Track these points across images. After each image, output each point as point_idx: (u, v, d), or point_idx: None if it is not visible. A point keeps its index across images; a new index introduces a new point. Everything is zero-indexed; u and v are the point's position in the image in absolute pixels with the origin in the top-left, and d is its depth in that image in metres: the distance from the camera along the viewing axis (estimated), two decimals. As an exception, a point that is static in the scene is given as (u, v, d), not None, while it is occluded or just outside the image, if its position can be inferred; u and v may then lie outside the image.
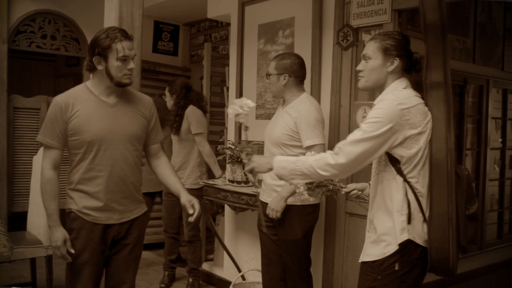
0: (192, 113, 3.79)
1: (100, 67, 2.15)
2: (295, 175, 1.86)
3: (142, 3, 2.61)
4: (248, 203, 3.13)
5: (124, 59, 2.13)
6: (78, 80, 5.52)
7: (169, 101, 3.87)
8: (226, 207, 3.73)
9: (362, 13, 2.84)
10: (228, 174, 3.45)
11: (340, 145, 1.82)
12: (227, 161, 3.42)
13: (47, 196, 2.19)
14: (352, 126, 2.89)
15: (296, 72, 2.69)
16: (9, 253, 2.93)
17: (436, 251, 1.76)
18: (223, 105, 4.55)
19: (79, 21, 5.10)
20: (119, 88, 2.23)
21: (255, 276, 3.34)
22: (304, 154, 2.60)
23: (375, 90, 2.00)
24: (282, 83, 2.67)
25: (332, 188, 2.00)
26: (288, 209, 2.59)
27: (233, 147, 3.44)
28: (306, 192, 1.96)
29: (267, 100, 3.40)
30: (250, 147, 2.02)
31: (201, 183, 3.67)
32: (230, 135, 3.80)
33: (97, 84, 2.21)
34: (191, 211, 2.24)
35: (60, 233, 2.16)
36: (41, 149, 2.45)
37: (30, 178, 3.48)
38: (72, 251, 2.17)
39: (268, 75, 2.72)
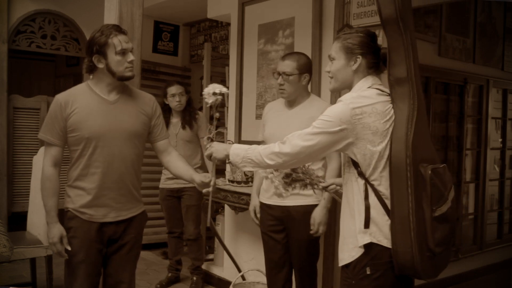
0: (203, 117, 3.93)
1: (100, 65, 2.16)
2: (246, 163, 1.88)
3: (142, 3, 2.61)
4: (248, 203, 3.13)
5: (123, 52, 2.15)
6: (78, 80, 5.53)
7: (183, 99, 3.83)
8: (226, 207, 3.73)
9: (362, 13, 2.84)
10: (228, 174, 3.45)
11: (289, 135, 1.82)
12: (227, 161, 3.42)
13: (46, 193, 2.21)
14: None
15: (311, 71, 2.70)
16: (9, 253, 2.93)
17: (400, 255, 1.71)
18: (223, 105, 4.55)
19: (79, 21, 5.11)
20: (120, 85, 2.24)
21: (255, 276, 3.34)
22: None
23: (346, 90, 1.95)
24: (303, 82, 2.64)
25: (310, 182, 1.99)
26: (306, 209, 2.60)
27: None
28: (281, 186, 1.96)
29: (267, 100, 3.40)
30: (212, 132, 2.07)
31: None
32: (230, 135, 3.80)
33: (98, 82, 2.22)
34: (207, 180, 2.23)
35: (57, 230, 2.18)
36: (41, 149, 2.46)
37: (30, 178, 3.48)
38: (69, 248, 2.18)
39: (287, 75, 2.61)
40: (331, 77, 1.91)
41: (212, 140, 2.09)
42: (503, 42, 4.30)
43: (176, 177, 2.47)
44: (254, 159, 1.85)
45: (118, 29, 2.18)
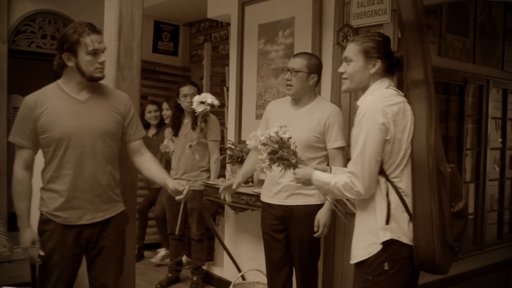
0: (215, 120, 3.86)
1: (70, 64, 2.11)
2: (329, 193, 2.00)
3: (142, 3, 2.61)
4: (248, 203, 3.13)
5: (94, 53, 2.09)
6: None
7: None
8: (226, 207, 3.73)
9: (362, 13, 2.84)
10: (228, 174, 3.45)
11: (350, 167, 1.84)
12: (227, 161, 3.42)
13: (17, 197, 2.17)
14: (352, 126, 2.89)
15: (320, 74, 2.71)
16: (9, 253, 2.93)
17: (422, 249, 1.78)
18: (223, 105, 4.55)
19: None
20: (91, 84, 2.18)
21: (255, 276, 3.34)
22: (325, 156, 2.64)
23: (358, 91, 2.01)
24: (310, 82, 2.65)
25: (295, 162, 2.01)
26: (308, 209, 2.61)
27: (233, 147, 3.44)
28: (268, 160, 1.98)
29: (267, 100, 3.40)
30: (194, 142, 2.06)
31: (201, 183, 3.67)
32: (230, 135, 3.80)
33: (68, 81, 2.17)
34: (181, 188, 2.20)
35: (29, 235, 2.14)
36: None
37: (30, 178, 3.47)
38: (42, 253, 2.14)
39: (295, 71, 2.61)
40: (346, 78, 1.94)
41: (191, 146, 2.12)
42: (503, 42, 4.30)
43: (148, 179, 2.41)
44: (337, 192, 1.90)
45: (92, 28, 2.10)
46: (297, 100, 2.69)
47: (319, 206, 2.63)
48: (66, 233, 2.16)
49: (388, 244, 1.80)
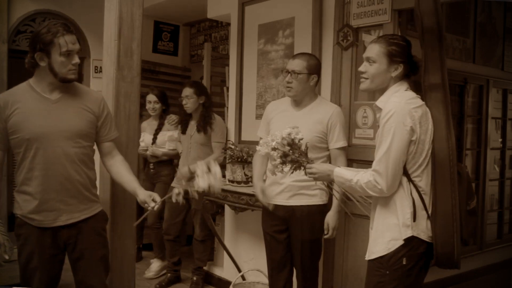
0: (220, 121, 3.83)
1: (42, 64, 2.07)
2: (351, 190, 2.02)
3: (142, 3, 2.61)
4: (248, 203, 3.13)
5: (68, 54, 2.06)
6: (77, 80, 5.52)
7: (190, 102, 3.78)
8: (226, 207, 3.73)
9: (362, 13, 2.84)
10: (228, 174, 3.45)
11: (375, 165, 1.88)
12: (227, 161, 3.42)
13: None
14: (352, 126, 2.90)
15: (320, 74, 2.72)
16: (9, 253, 2.93)
17: (441, 245, 1.85)
18: (223, 105, 4.55)
19: (79, 21, 5.10)
20: (64, 84, 2.14)
21: (255, 276, 3.34)
22: (327, 156, 2.64)
23: (375, 92, 2.06)
24: (311, 83, 2.65)
25: (306, 164, 2.02)
26: (310, 209, 2.61)
27: (233, 147, 3.44)
28: (279, 161, 2.00)
29: (267, 100, 3.40)
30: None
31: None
32: (230, 135, 3.80)
33: (39, 80, 2.13)
34: (152, 204, 2.17)
35: None
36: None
37: (30, 178, 3.47)
38: (7, 257, 2.13)
39: (296, 73, 2.60)
40: (366, 78, 1.98)
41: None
42: (503, 42, 4.30)
43: (117, 183, 2.33)
44: (359, 190, 1.94)
45: (66, 28, 2.06)
46: (298, 101, 2.69)
47: (321, 206, 2.63)
48: (43, 236, 2.13)
49: (408, 240, 1.86)
